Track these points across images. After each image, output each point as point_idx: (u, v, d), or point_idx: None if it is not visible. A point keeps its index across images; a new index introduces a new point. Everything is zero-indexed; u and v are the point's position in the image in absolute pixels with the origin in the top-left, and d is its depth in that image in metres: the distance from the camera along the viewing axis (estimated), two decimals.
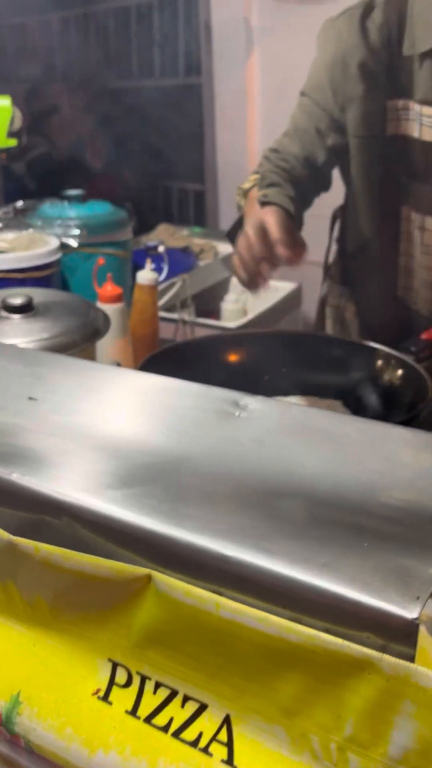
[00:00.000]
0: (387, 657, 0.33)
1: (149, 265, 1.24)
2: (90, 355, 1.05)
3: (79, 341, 0.92)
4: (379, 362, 0.89)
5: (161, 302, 1.52)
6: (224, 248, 1.95)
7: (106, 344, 1.07)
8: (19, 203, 1.49)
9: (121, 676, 0.42)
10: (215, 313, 1.73)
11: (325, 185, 1.11)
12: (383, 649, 0.34)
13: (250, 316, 1.58)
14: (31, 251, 1.24)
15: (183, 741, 0.39)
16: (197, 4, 2.82)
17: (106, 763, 0.41)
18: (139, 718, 0.41)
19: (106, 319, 0.98)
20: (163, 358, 0.97)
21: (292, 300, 1.77)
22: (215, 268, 1.84)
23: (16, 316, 0.90)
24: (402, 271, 1.09)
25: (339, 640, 0.34)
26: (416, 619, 0.33)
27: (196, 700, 0.40)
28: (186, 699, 0.40)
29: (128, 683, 0.42)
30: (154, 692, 0.41)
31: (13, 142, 1.41)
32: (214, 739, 0.39)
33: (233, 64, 2.61)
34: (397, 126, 0.97)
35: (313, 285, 1.83)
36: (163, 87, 3.29)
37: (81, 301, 1.00)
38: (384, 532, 0.40)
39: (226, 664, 0.38)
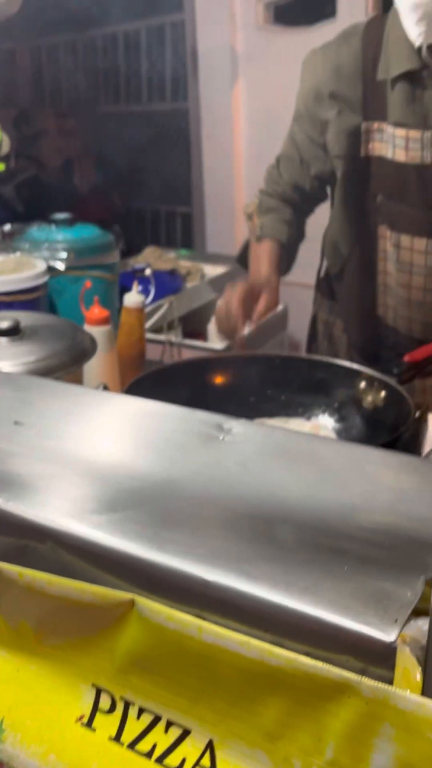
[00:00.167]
0: (366, 680, 0.34)
1: (136, 287, 1.25)
2: (77, 378, 1.05)
3: (66, 364, 0.92)
4: (363, 384, 0.91)
5: (148, 324, 1.53)
6: (211, 270, 1.97)
7: (93, 366, 1.08)
8: (7, 227, 1.50)
9: (104, 702, 0.42)
10: (202, 335, 1.75)
11: (317, 203, 1.16)
12: (363, 672, 0.35)
13: None
14: (18, 274, 1.24)
15: (167, 767, 0.39)
16: (184, 32, 2.88)
17: None
18: (122, 744, 0.41)
19: (92, 341, 0.99)
20: (149, 381, 0.98)
21: (279, 322, 1.79)
22: (202, 290, 1.86)
23: (2, 340, 0.91)
24: (380, 289, 1.12)
25: (319, 664, 0.35)
26: (394, 642, 0.34)
27: (180, 725, 0.40)
28: (169, 724, 0.40)
29: (112, 709, 0.42)
30: (138, 718, 0.41)
31: (1, 167, 1.43)
32: (197, 764, 0.39)
33: (219, 89, 2.66)
34: (372, 147, 1.01)
35: (299, 307, 1.86)
36: (150, 112, 3.34)
37: (68, 324, 1.01)
38: (364, 555, 0.41)
39: (208, 689, 0.38)
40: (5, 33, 3.35)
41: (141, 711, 0.41)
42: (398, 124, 0.96)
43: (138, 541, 0.42)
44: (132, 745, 0.41)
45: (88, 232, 1.44)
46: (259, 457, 0.53)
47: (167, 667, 0.40)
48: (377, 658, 0.34)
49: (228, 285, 1.08)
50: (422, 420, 0.86)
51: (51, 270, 1.32)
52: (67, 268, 1.34)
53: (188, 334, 1.64)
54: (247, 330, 1.02)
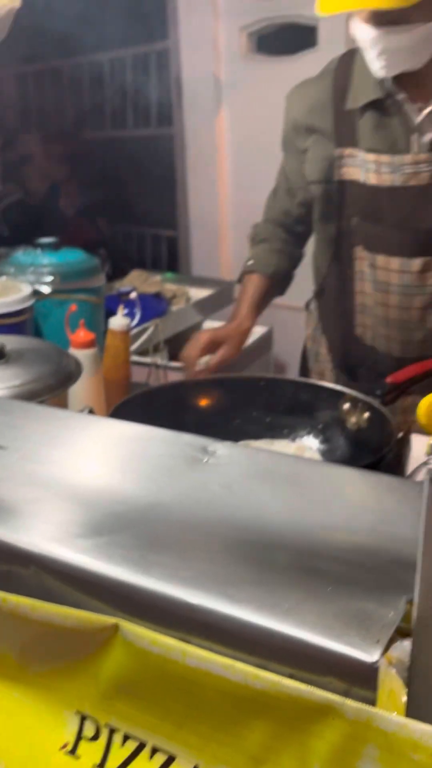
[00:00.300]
0: (349, 702, 0.34)
1: (121, 310, 1.26)
2: (63, 401, 1.05)
3: (52, 387, 0.92)
4: (347, 405, 0.91)
5: (134, 347, 1.54)
6: (196, 293, 1.99)
7: (79, 389, 1.08)
8: None
9: (89, 729, 0.42)
10: (204, 330, 1.74)
11: (310, 230, 1.21)
12: (346, 694, 0.35)
13: None
14: (3, 298, 1.25)
15: None
16: (168, 60, 2.93)
17: None
18: None
19: (78, 365, 0.99)
20: (134, 404, 0.98)
21: (264, 343, 1.81)
22: (188, 312, 1.87)
23: None
24: (359, 309, 1.15)
25: (303, 686, 0.35)
26: (376, 662, 0.34)
27: (165, 751, 0.40)
28: (154, 750, 0.40)
29: (96, 736, 0.42)
30: (122, 744, 0.41)
31: None
32: None
33: (204, 116, 2.71)
34: (345, 172, 1.08)
35: (284, 329, 1.87)
36: (135, 137, 3.38)
37: (53, 347, 1.01)
38: (347, 576, 0.41)
39: (193, 713, 0.38)
40: None
41: (126, 738, 0.41)
42: (369, 150, 1.02)
43: (123, 565, 0.42)
44: None
45: (74, 256, 1.45)
46: (244, 479, 0.54)
47: (152, 692, 0.40)
48: (360, 679, 0.34)
49: (195, 333, 1.18)
50: (405, 441, 0.87)
51: (36, 294, 1.32)
52: (53, 292, 1.35)
53: (174, 356, 1.65)
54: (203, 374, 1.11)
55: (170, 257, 3.40)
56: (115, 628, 0.40)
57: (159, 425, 0.63)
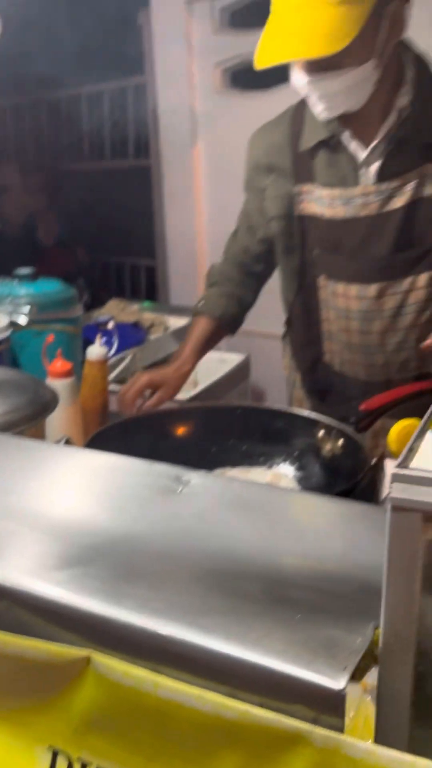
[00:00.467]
0: (317, 729, 0.34)
1: (99, 340, 1.27)
2: (40, 431, 1.05)
3: (28, 418, 0.92)
4: (321, 433, 0.93)
5: (112, 375, 1.54)
6: (174, 322, 2.00)
7: (56, 419, 1.08)
8: None
9: (61, 764, 0.42)
10: (146, 370, 1.75)
11: (268, 265, 1.24)
12: (314, 721, 0.35)
13: (201, 387, 1.61)
14: None
15: None
16: (145, 94, 2.99)
17: None
18: None
19: (55, 395, 1.00)
20: (112, 433, 0.99)
21: (241, 371, 1.82)
22: (165, 341, 1.88)
23: None
24: (325, 336, 1.20)
25: (272, 715, 0.35)
26: (343, 689, 0.35)
27: None
28: None
29: None
30: None
31: None
32: None
33: (180, 148, 2.76)
34: (304, 207, 1.14)
35: (262, 356, 1.89)
36: (113, 168, 3.43)
37: (29, 378, 1.02)
38: (316, 604, 0.42)
39: (164, 746, 0.39)
40: None
41: None
42: (323, 185, 1.08)
43: (95, 596, 0.42)
44: None
45: (51, 287, 1.46)
46: (216, 508, 0.54)
47: (124, 725, 0.40)
48: (327, 706, 0.35)
49: (135, 374, 1.22)
50: (379, 466, 0.88)
51: (13, 324, 1.33)
52: (30, 322, 1.35)
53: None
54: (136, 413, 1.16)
55: (149, 286, 3.43)
56: (87, 660, 0.40)
57: (136, 454, 0.64)
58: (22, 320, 1.36)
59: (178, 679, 0.38)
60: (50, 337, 1.24)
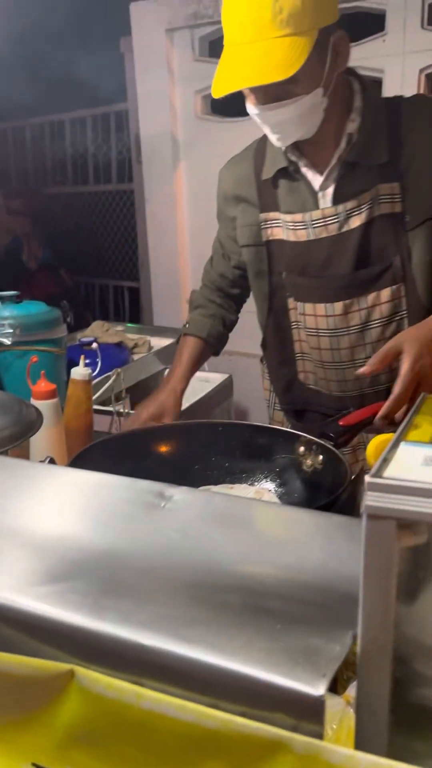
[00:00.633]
0: (297, 736, 0.35)
1: (83, 360, 1.28)
2: (24, 451, 1.05)
3: (12, 438, 0.92)
4: (302, 448, 0.94)
5: (96, 395, 1.55)
6: (158, 342, 2.02)
7: (40, 439, 1.08)
8: None
9: None
10: (143, 403, 1.76)
11: (245, 292, 1.29)
12: (295, 729, 0.36)
13: (184, 406, 1.62)
14: None
15: None
16: (127, 120, 3.04)
17: None
18: None
19: (39, 415, 1.00)
20: (95, 452, 0.99)
21: (224, 390, 1.83)
22: (149, 361, 1.89)
23: None
24: (298, 356, 1.26)
25: (253, 723, 0.36)
26: (322, 696, 0.35)
27: None
28: None
29: None
30: None
31: None
32: None
33: (162, 172, 2.80)
34: (271, 233, 1.20)
35: (244, 375, 1.91)
36: (96, 192, 3.47)
37: (13, 398, 1.02)
38: (296, 614, 0.42)
39: (148, 758, 0.39)
40: None
41: None
42: (286, 212, 1.15)
43: (78, 610, 0.43)
44: None
45: (35, 309, 1.47)
46: (199, 523, 0.55)
47: (107, 739, 0.40)
48: (307, 713, 0.35)
49: (132, 415, 1.28)
50: (359, 481, 0.89)
51: None
52: (14, 344, 1.36)
53: (137, 404, 1.66)
54: None
55: (132, 307, 3.45)
56: (71, 674, 0.40)
57: (119, 473, 0.64)
58: (7, 341, 1.36)
59: (161, 690, 0.38)
60: (34, 358, 1.25)
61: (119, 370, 1.56)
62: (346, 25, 1.02)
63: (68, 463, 1.00)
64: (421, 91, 2.18)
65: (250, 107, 1.03)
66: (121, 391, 1.52)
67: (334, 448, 0.90)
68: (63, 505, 0.60)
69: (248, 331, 1.48)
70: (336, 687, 0.41)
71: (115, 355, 1.79)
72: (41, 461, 1.00)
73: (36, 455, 1.07)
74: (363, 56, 2.21)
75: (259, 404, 1.45)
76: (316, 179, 1.11)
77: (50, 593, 0.45)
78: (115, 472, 0.65)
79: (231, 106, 2.54)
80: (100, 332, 1.91)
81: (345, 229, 1.09)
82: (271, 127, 1.04)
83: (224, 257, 1.32)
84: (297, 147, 1.11)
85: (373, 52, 2.21)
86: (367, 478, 0.38)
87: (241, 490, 0.96)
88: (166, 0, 2.60)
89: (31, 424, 0.97)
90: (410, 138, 1.04)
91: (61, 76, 2.61)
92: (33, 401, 1.12)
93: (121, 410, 1.48)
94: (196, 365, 1.32)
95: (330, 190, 1.10)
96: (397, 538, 0.37)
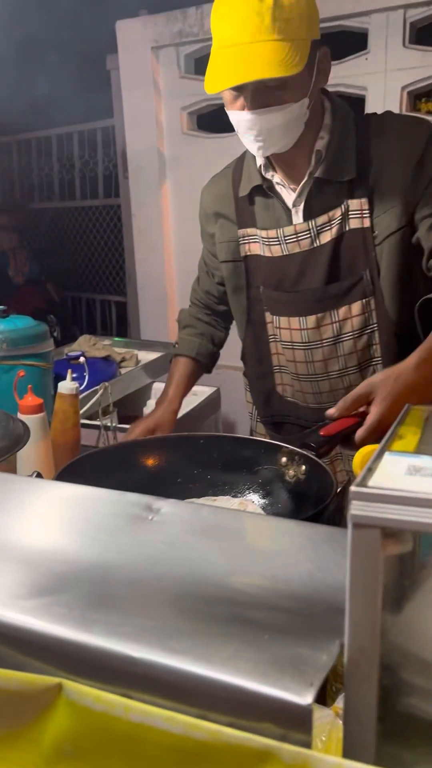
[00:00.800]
0: (285, 746, 0.35)
1: (70, 375, 1.28)
2: (11, 466, 1.05)
3: None
4: (284, 459, 0.94)
5: (83, 409, 1.54)
6: (145, 356, 2.02)
7: (27, 454, 1.08)
8: None
9: None
10: (139, 419, 1.76)
11: (230, 311, 1.36)
12: (283, 738, 0.36)
13: None
14: None
15: None
16: (114, 136, 3.07)
17: None
18: None
19: (26, 429, 1.00)
20: (81, 466, 0.99)
21: (212, 403, 1.84)
22: (137, 375, 1.89)
23: None
24: (275, 369, 1.28)
25: (241, 733, 0.36)
26: (309, 705, 0.35)
27: None
28: None
29: None
30: None
31: None
32: None
33: (149, 187, 2.82)
34: (249, 248, 1.23)
35: (232, 388, 1.91)
36: (83, 207, 3.48)
37: (0, 413, 1.02)
38: (283, 624, 0.43)
39: None
40: None
41: None
42: (262, 228, 1.18)
43: (65, 623, 0.43)
44: None
45: (22, 323, 1.47)
46: (186, 535, 0.55)
47: (96, 752, 0.40)
48: (295, 722, 0.36)
49: (129, 428, 1.29)
50: (346, 492, 0.90)
51: None
52: (1, 358, 1.36)
53: (124, 419, 1.66)
54: None
55: (119, 322, 3.46)
56: (59, 687, 0.40)
57: (106, 487, 0.64)
58: None
59: (149, 702, 0.38)
60: (21, 373, 1.25)
61: (107, 384, 1.56)
62: (329, 44, 1.04)
63: (54, 477, 0.99)
64: (404, 109, 2.22)
65: (236, 113, 1.03)
66: (108, 405, 1.52)
67: (317, 459, 0.90)
68: (50, 518, 0.60)
69: (236, 345, 1.49)
70: (325, 699, 0.41)
71: (102, 369, 1.79)
72: (28, 476, 1.00)
73: (23, 470, 1.07)
74: (346, 74, 2.25)
75: (246, 417, 1.46)
76: (289, 196, 1.14)
77: (37, 606, 0.45)
78: (102, 485, 0.65)
79: (216, 123, 2.57)
80: (87, 346, 1.91)
81: (316, 244, 1.12)
82: (257, 132, 1.04)
83: (209, 275, 1.34)
84: (271, 164, 1.13)
85: (356, 70, 2.25)
86: (352, 488, 0.39)
87: (224, 502, 0.96)
88: (152, 18, 2.63)
89: (18, 438, 0.96)
90: (377, 154, 1.07)
91: (48, 92, 2.63)
92: (20, 416, 1.11)
93: (109, 424, 1.48)
94: (189, 385, 1.34)
95: (302, 207, 1.12)
96: (382, 546, 0.38)
